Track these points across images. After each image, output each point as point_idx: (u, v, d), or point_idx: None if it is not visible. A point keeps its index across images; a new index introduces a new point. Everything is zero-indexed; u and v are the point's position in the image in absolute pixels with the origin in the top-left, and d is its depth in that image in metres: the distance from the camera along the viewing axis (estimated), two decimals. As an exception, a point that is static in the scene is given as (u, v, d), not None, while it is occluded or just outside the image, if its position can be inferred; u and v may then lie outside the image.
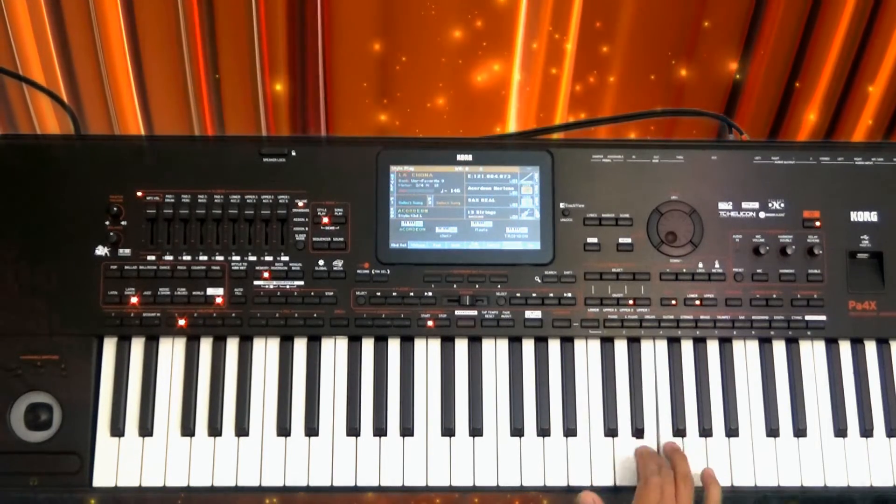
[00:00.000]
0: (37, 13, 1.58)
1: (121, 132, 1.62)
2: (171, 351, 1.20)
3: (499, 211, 1.22)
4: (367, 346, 1.21)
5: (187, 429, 1.18)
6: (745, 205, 1.23)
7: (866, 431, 1.20)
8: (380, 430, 1.18)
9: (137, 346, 1.20)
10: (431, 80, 1.65)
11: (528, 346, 1.22)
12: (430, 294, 1.20)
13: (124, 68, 1.61)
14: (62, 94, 1.59)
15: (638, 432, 1.19)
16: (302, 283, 1.20)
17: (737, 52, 1.68)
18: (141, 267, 1.19)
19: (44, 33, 1.59)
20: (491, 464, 1.18)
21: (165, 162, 1.22)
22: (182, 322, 1.19)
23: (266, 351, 1.21)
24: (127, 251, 1.20)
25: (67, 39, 1.60)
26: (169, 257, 1.20)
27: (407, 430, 1.18)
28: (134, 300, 1.19)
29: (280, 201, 1.21)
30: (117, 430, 1.17)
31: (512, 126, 1.66)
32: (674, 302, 1.21)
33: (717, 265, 1.22)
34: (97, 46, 1.60)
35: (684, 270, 1.21)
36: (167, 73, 1.62)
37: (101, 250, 1.20)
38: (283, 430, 1.18)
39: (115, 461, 1.17)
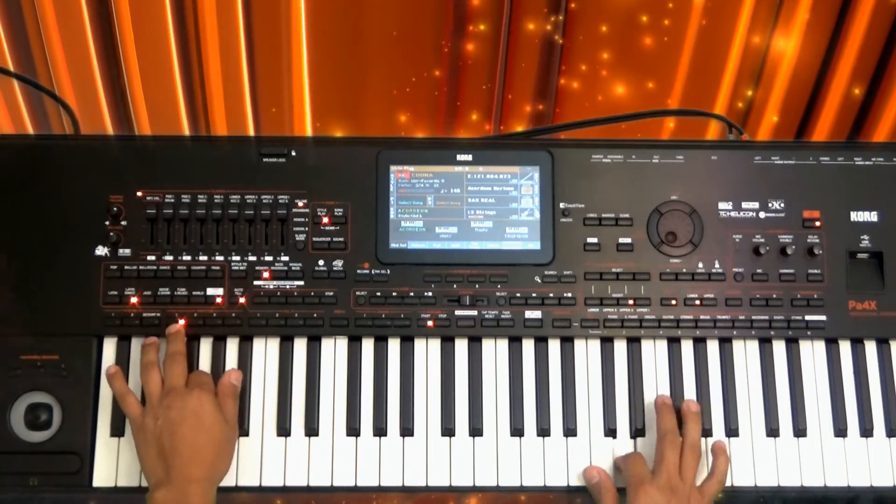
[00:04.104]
0: (67, 16, 1.59)
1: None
2: (171, 351, 1.20)
3: (499, 211, 1.22)
4: (367, 346, 1.21)
5: (187, 429, 1.18)
6: (745, 205, 1.23)
7: (866, 431, 1.20)
8: (380, 430, 1.18)
9: (137, 347, 1.20)
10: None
11: (528, 346, 1.22)
12: (430, 294, 1.20)
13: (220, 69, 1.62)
14: (99, 95, 1.60)
15: (638, 432, 1.19)
16: (302, 283, 1.20)
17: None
18: (141, 267, 1.19)
19: (79, 37, 1.60)
20: (491, 464, 1.18)
21: (165, 162, 1.22)
22: (182, 322, 1.19)
23: (266, 351, 1.21)
24: (127, 251, 1.20)
25: (115, 42, 1.61)
26: (169, 257, 1.20)
27: (407, 430, 1.18)
28: (134, 300, 1.19)
29: (280, 201, 1.21)
30: (117, 430, 1.17)
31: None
32: (674, 302, 1.21)
33: (717, 265, 1.22)
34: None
35: (684, 270, 1.21)
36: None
37: (101, 250, 1.20)
38: (283, 430, 1.18)
39: (115, 461, 1.17)
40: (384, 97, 1.67)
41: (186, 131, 1.64)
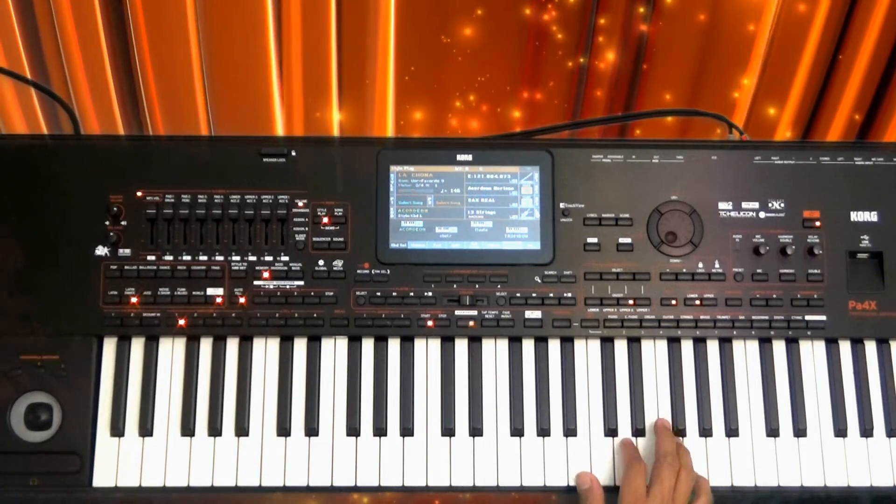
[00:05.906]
0: (83, 17, 1.59)
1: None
2: (171, 351, 1.20)
3: (499, 211, 1.22)
4: (367, 346, 1.21)
5: (187, 429, 1.18)
6: (745, 205, 1.23)
7: (866, 431, 1.20)
8: (380, 430, 1.18)
9: (137, 346, 1.20)
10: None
11: (528, 346, 1.22)
12: (430, 294, 1.20)
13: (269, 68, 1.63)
14: (112, 97, 1.61)
15: (638, 432, 1.19)
16: (302, 283, 1.20)
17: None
18: (141, 267, 1.19)
19: (93, 39, 1.60)
20: (491, 464, 1.18)
21: (165, 162, 1.22)
22: (182, 322, 1.19)
23: (266, 351, 1.21)
24: (127, 251, 1.20)
25: (128, 42, 1.61)
26: (169, 257, 1.20)
27: (407, 430, 1.18)
28: (134, 300, 1.19)
29: (280, 201, 1.21)
30: (117, 430, 1.17)
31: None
32: (674, 302, 1.21)
33: (717, 265, 1.22)
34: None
35: (684, 270, 1.21)
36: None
37: (101, 250, 1.20)
38: (283, 430, 1.18)
39: (115, 461, 1.17)
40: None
41: (203, 132, 1.65)
